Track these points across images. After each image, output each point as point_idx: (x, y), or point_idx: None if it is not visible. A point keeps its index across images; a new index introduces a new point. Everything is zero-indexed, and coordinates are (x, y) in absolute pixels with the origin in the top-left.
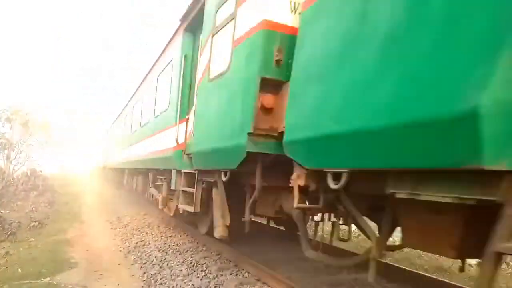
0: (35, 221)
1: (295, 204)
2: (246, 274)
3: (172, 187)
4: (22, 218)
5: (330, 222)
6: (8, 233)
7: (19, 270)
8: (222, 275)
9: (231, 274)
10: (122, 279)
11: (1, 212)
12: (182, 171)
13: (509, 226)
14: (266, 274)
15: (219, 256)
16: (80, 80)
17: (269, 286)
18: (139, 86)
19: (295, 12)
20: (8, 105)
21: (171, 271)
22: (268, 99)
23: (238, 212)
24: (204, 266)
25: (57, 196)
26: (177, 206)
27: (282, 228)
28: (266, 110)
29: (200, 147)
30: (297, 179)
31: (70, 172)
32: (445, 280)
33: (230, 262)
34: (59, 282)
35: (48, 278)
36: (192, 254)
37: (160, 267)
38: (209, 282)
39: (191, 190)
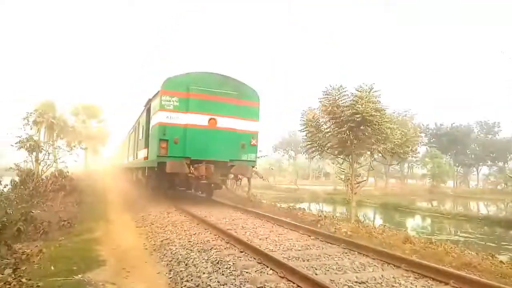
0: (64, 221)
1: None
2: (271, 271)
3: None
4: (52, 217)
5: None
6: (41, 232)
7: (52, 268)
8: (247, 272)
9: (256, 271)
10: (149, 276)
11: (33, 212)
12: (146, 166)
13: None
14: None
15: (243, 253)
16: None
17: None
18: (133, 125)
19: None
20: (35, 108)
21: (197, 268)
22: (163, 144)
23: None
24: (229, 263)
25: (83, 196)
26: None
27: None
28: (162, 149)
29: (150, 159)
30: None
31: (92, 172)
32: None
33: (254, 259)
34: (89, 279)
35: (79, 275)
36: (217, 251)
37: (186, 265)
38: (234, 279)
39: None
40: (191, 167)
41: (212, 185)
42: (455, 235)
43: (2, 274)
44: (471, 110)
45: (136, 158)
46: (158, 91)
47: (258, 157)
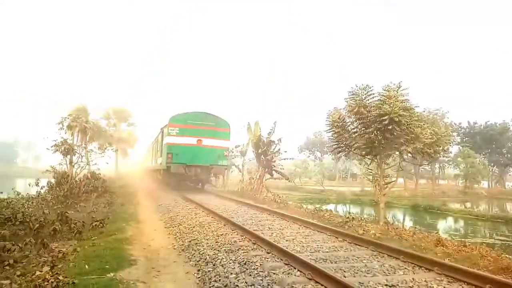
0: (96, 221)
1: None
2: (298, 273)
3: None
4: (85, 218)
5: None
6: (75, 232)
7: (86, 266)
8: (274, 273)
9: (283, 272)
10: (178, 276)
11: (67, 213)
12: (161, 169)
13: None
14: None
15: (270, 254)
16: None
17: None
18: (154, 139)
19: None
20: (69, 113)
21: (224, 268)
22: (170, 155)
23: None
24: (256, 264)
25: (114, 197)
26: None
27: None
28: (169, 158)
29: (162, 164)
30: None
31: (123, 174)
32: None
33: (281, 261)
34: (121, 278)
35: (112, 274)
36: (244, 252)
37: (213, 265)
38: (262, 280)
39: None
40: (186, 169)
41: (201, 179)
42: (490, 238)
43: (41, 271)
44: (472, 109)
45: (156, 163)
46: (167, 124)
47: (284, 159)
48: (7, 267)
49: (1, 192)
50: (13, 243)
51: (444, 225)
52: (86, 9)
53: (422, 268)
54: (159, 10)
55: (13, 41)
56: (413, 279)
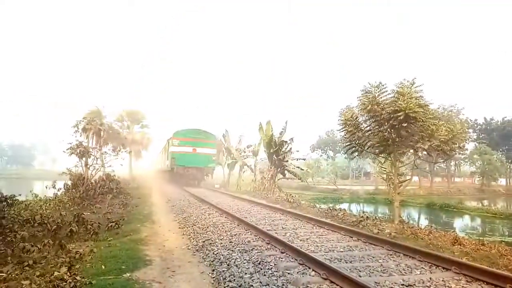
0: (112, 222)
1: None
2: (313, 272)
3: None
4: (101, 219)
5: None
6: (91, 233)
7: (103, 267)
8: (289, 273)
9: (298, 272)
10: (193, 276)
11: (84, 214)
12: (168, 170)
13: None
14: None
15: (284, 253)
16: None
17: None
18: (162, 148)
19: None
20: (84, 116)
21: (239, 268)
22: (173, 160)
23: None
24: (271, 264)
25: (129, 198)
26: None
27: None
28: (173, 162)
29: (169, 166)
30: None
31: (137, 175)
32: None
33: (296, 261)
34: (137, 278)
35: (128, 274)
36: (258, 252)
37: (228, 265)
38: (276, 280)
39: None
40: (185, 170)
41: (197, 178)
42: (509, 236)
43: (59, 272)
44: (473, 108)
45: (164, 165)
46: (171, 137)
47: (296, 159)
48: (27, 268)
49: (20, 195)
50: (32, 244)
51: (461, 224)
52: (86, 9)
53: (439, 267)
54: (159, 10)
55: (13, 41)
56: (430, 278)
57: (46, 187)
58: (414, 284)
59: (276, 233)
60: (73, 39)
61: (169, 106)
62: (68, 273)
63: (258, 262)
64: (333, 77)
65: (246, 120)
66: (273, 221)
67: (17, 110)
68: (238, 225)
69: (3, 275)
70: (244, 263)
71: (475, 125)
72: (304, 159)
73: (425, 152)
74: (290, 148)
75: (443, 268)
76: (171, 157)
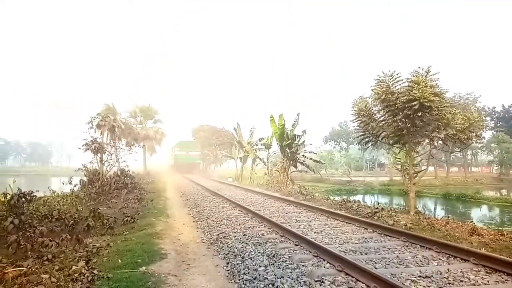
0: (127, 216)
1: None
2: (328, 264)
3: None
4: (116, 214)
5: None
6: (107, 228)
7: (119, 261)
8: (303, 265)
9: (312, 264)
10: (208, 269)
11: (99, 209)
12: (173, 165)
13: None
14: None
15: (298, 246)
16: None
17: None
18: (170, 150)
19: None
20: (98, 112)
21: (253, 261)
22: (176, 158)
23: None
24: (285, 256)
25: (143, 192)
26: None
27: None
28: (176, 159)
29: (174, 162)
30: None
31: (150, 170)
32: None
33: (310, 253)
34: (153, 272)
35: (144, 268)
36: (272, 245)
37: (242, 258)
38: (291, 272)
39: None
40: (182, 164)
41: (188, 169)
42: None
43: (77, 266)
44: (490, 96)
45: (171, 161)
46: (174, 145)
47: (309, 152)
48: (46, 262)
49: (37, 191)
50: (51, 239)
51: (479, 214)
52: (86, 10)
53: (457, 258)
54: (159, 10)
55: (13, 41)
56: (448, 269)
57: (63, 183)
58: (432, 276)
59: (289, 225)
60: (73, 39)
61: (169, 106)
62: (86, 267)
63: (272, 254)
64: (333, 77)
65: (246, 120)
66: (286, 213)
67: (17, 110)
68: (251, 218)
69: (23, 269)
70: (258, 256)
71: (493, 113)
72: (315, 153)
73: (440, 142)
74: (303, 141)
75: (461, 259)
76: (174, 157)
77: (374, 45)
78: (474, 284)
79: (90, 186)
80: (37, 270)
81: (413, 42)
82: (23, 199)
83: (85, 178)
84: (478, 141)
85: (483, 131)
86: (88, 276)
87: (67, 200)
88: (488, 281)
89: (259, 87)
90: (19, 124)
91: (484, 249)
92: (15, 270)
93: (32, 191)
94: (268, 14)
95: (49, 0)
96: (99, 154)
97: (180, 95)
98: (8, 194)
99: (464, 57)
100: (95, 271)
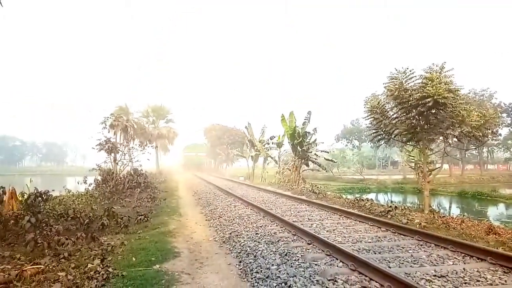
0: (141, 215)
1: None
2: (341, 263)
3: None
4: (130, 212)
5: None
6: (121, 226)
7: (133, 259)
8: (316, 264)
9: (325, 263)
10: (221, 267)
11: (114, 208)
12: (183, 163)
13: None
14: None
15: (311, 245)
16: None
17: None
18: (182, 151)
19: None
20: (111, 113)
21: (265, 260)
22: (186, 159)
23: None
24: (297, 255)
25: (156, 191)
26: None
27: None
28: (186, 159)
29: (183, 162)
30: None
31: (163, 169)
32: None
33: (323, 252)
34: (166, 270)
35: (158, 266)
36: (284, 243)
37: (254, 256)
38: (303, 271)
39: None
40: (191, 163)
41: (197, 167)
42: None
43: (92, 264)
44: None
45: (182, 161)
46: (185, 147)
47: (321, 151)
48: (63, 260)
49: (53, 190)
50: (67, 237)
51: (495, 212)
52: (83, 11)
53: (474, 257)
54: (156, 12)
55: (10, 43)
56: (464, 269)
57: (78, 183)
58: (447, 275)
59: (302, 224)
60: (69, 40)
61: (166, 107)
62: (101, 265)
63: (285, 253)
64: (330, 78)
65: (243, 122)
66: (298, 212)
67: (14, 112)
68: (263, 216)
69: (41, 267)
70: (270, 255)
71: (509, 109)
72: (328, 152)
73: (455, 139)
74: (315, 140)
75: (478, 258)
76: (185, 158)
77: (371, 46)
78: (491, 284)
79: (104, 185)
80: (54, 268)
81: (410, 43)
82: (40, 198)
83: (99, 178)
84: (494, 138)
85: (499, 128)
86: (103, 274)
87: (82, 199)
88: (505, 281)
89: (256, 88)
90: (16, 125)
91: (502, 248)
92: (33, 268)
93: (48, 191)
94: (265, 16)
95: (46, 2)
96: (112, 154)
97: (177, 97)
98: (25, 194)
99: (464, 57)
100: (110, 269)
